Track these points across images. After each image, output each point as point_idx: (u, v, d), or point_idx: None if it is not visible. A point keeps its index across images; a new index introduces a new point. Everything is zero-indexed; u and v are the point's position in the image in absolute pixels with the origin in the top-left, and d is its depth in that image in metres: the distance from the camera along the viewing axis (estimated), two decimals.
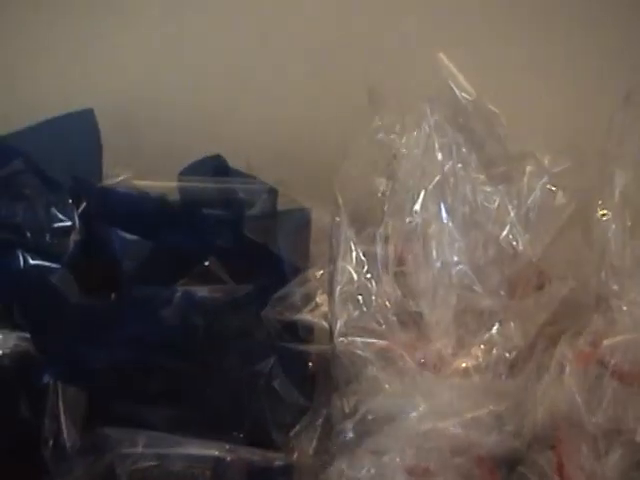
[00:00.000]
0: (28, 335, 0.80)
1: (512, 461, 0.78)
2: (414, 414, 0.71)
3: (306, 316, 0.76)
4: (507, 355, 0.74)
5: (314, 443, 0.75)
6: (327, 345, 0.75)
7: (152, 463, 0.76)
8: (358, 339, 0.71)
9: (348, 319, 0.73)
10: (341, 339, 0.72)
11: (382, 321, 0.73)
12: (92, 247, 0.87)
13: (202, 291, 0.82)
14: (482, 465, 0.76)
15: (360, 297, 0.74)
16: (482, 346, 0.74)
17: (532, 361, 0.75)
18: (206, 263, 0.79)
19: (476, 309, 0.75)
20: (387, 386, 0.71)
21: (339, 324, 0.72)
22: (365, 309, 0.73)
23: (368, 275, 0.74)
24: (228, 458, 0.78)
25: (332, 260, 0.76)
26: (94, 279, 0.86)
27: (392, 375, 0.72)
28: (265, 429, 0.78)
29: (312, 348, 0.78)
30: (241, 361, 0.77)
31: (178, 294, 0.77)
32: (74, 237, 0.86)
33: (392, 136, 0.76)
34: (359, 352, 0.71)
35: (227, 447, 0.78)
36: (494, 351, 0.74)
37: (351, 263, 0.75)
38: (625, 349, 0.72)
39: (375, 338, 0.72)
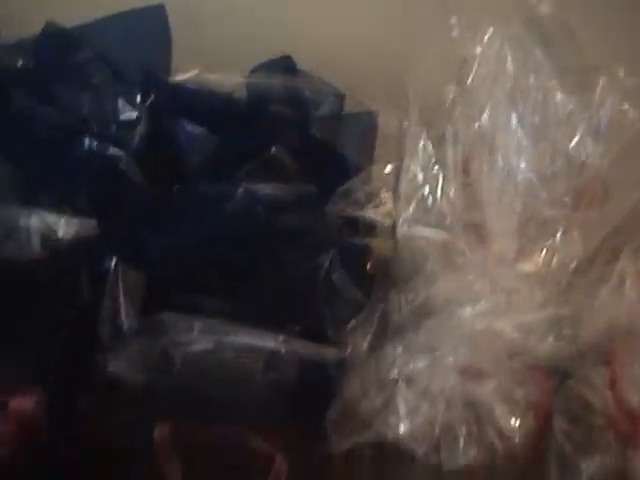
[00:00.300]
0: (90, 221, 0.79)
1: (564, 373, 0.77)
2: (470, 312, 0.69)
3: (369, 213, 0.75)
4: (568, 264, 0.72)
5: (369, 338, 0.74)
6: (389, 241, 0.74)
7: (206, 349, 0.75)
8: (420, 233, 0.70)
9: (412, 215, 0.72)
10: (403, 233, 0.71)
11: (445, 219, 0.71)
12: (157, 141, 0.86)
13: (265, 188, 0.81)
14: (536, 371, 0.75)
15: (425, 195, 0.72)
16: (543, 254, 0.72)
17: (593, 272, 0.73)
18: (273, 150, 0.77)
19: (540, 218, 0.74)
20: (445, 283, 0.69)
21: (402, 219, 0.71)
22: (429, 205, 0.71)
23: (434, 172, 0.72)
24: (282, 350, 0.77)
25: (399, 159, 0.75)
26: (158, 173, 0.85)
27: (452, 272, 0.70)
28: (321, 324, 0.77)
29: (373, 243, 0.76)
30: (301, 254, 0.76)
31: (241, 191, 0.76)
32: (140, 130, 0.86)
33: (466, 34, 0.75)
34: (420, 246, 0.70)
35: (281, 339, 0.78)
36: (555, 259, 0.72)
37: (417, 162, 0.74)
38: None
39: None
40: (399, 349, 0.74)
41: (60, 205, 0.83)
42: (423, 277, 0.71)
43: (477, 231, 0.75)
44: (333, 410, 0.69)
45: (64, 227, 0.80)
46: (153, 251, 0.75)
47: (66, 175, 0.82)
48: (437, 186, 0.73)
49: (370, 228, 0.77)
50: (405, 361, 0.73)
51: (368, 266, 0.81)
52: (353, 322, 0.76)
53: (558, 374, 0.77)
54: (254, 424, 0.72)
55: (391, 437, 0.71)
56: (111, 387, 0.75)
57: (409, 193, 0.73)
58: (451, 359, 0.73)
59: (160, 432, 0.74)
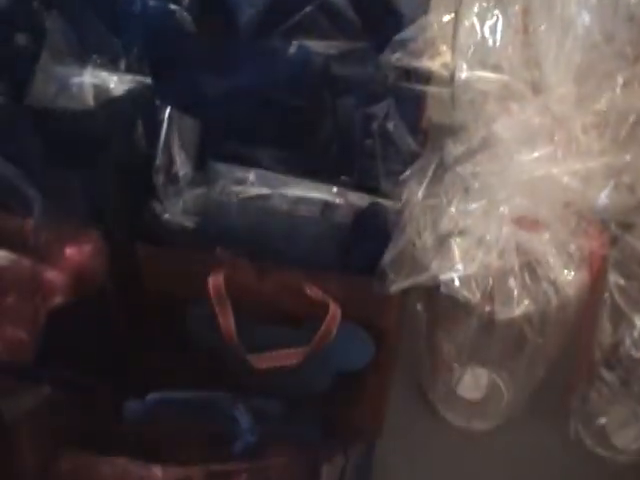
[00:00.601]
0: (144, 78, 0.80)
1: (621, 227, 0.76)
2: (528, 157, 0.69)
3: (426, 62, 0.74)
4: (627, 115, 0.71)
5: (423, 188, 0.73)
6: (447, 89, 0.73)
7: (260, 195, 0.75)
8: (480, 73, 0.69)
9: (470, 61, 0.70)
10: (461, 78, 0.69)
11: (503, 66, 0.70)
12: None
13: (318, 46, 0.80)
14: (592, 224, 0.74)
15: (483, 42, 0.71)
16: (603, 105, 0.71)
17: None
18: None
19: (600, 70, 0.72)
20: (504, 123, 0.68)
21: (460, 65, 0.70)
22: (488, 52, 0.70)
23: (491, 21, 0.71)
24: (337, 201, 0.77)
25: (456, 8, 0.73)
26: (211, 28, 0.85)
27: (510, 115, 0.69)
28: (375, 175, 0.77)
29: (430, 89, 0.75)
30: (357, 103, 0.75)
31: (294, 48, 0.75)
32: None
33: None
34: (479, 87, 0.69)
35: (336, 191, 0.77)
36: (614, 110, 0.70)
37: (474, 12, 0.73)
38: None
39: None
40: (454, 198, 0.72)
41: (115, 62, 0.81)
42: (482, 119, 0.69)
43: (535, 86, 0.73)
44: (389, 255, 0.68)
45: (117, 83, 0.80)
46: (209, 95, 0.75)
47: (123, 31, 0.81)
48: (495, 34, 0.71)
49: (427, 78, 0.75)
50: (460, 210, 0.72)
51: (424, 117, 0.80)
52: (408, 172, 0.74)
53: (615, 228, 0.75)
54: (309, 269, 0.71)
55: (445, 283, 0.70)
56: (166, 234, 0.74)
57: (467, 41, 0.71)
58: (507, 208, 0.71)
59: (214, 280, 0.73)
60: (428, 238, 0.72)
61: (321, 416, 0.78)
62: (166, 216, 0.73)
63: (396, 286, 0.68)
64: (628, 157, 0.69)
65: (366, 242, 0.70)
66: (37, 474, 0.64)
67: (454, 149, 0.72)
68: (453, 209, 0.72)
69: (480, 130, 0.70)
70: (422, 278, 0.69)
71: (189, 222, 0.73)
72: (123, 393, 0.71)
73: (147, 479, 0.63)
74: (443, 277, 0.70)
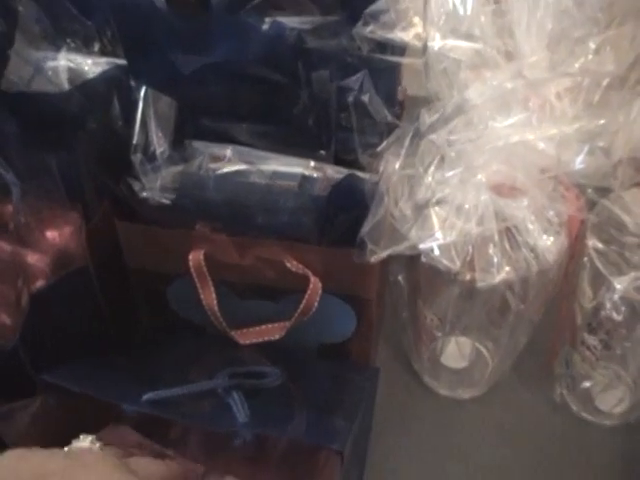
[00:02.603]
0: (118, 60, 0.81)
1: (598, 193, 0.77)
2: (503, 124, 0.69)
3: (399, 34, 0.74)
4: (600, 80, 0.71)
5: (400, 159, 0.73)
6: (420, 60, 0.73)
7: (238, 171, 0.75)
8: (452, 42, 0.69)
9: (442, 30, 0.70)
10: (434, 47, 0.70)
11: (477, 29, 0.70)
12: None
13: (292, 22, 0.80)
14: (569, 189, 0.75)
15: (454, 11, 0.71)
16: (576, 71, 0.71)
17: (626, 88, 0.72)
18: None
19: (572, 37, 0.72)
20: (477, 88, 0.68)
21: (433, 30, 0.70)
22: (460, 21, 0.70)
23: None
24: (315, 174, 0.77)
25: None
26: (185, 9, 0.84)
27: (484, 81, 0.69)
28: (353, 147, 0.77)
29: (404, 61, 0.75)
30: (331, 75, 0.75)
31: (267, 24, 0.75)
32: None
33: None
34: (452, 56, 0.69)
35: (313, 165, 0.77)
36: (587, 76, 0.71)
37: None
38: None
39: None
40: (431, 167, 0.72)
41: (89, 45, 0.81)
42: (455, 87, 0.69)
43: (507, 52, 0.73)
44: (367, 225, 0.68)
45: (91, 65, 0.80)
46: (184, 73, 0.74)
47: (95, 13, 0.81)
48: (466, 3, 0.71)
49: (401, 50, 0.75)
50: (437, 178, 0.72)
51: (399, 86, 0.80)
52: (384, 144, 0.74)
53: (592, 192, 0.75)
54: (289, 243, 0.71)
55: (425, 252, 0.70)
56: (145, 212, 0.75)
57: (438, 11, 0.71)
58: (484, 175, 0.71)
59: (194, 256, 0.74)
60: (406, 208, 0.72)
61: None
62: (144, 194, 0.73)
63: (375, 256, 0.68)
64: (602, 121, 0.68)
65: (343, 213, 0.70)
66: None
67: (428, 118, 0.71)
68: (430, 178, 0.72)
69: (453, 98, 0.69)
70: (401, 247, 0.69)
71: (167, 199, 0.72)
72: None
73: None
74: (423, 246, 0.69)
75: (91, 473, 0.52)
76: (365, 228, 0.68)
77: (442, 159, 0.73)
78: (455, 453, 0.88)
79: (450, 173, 0.72)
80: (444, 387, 0.91)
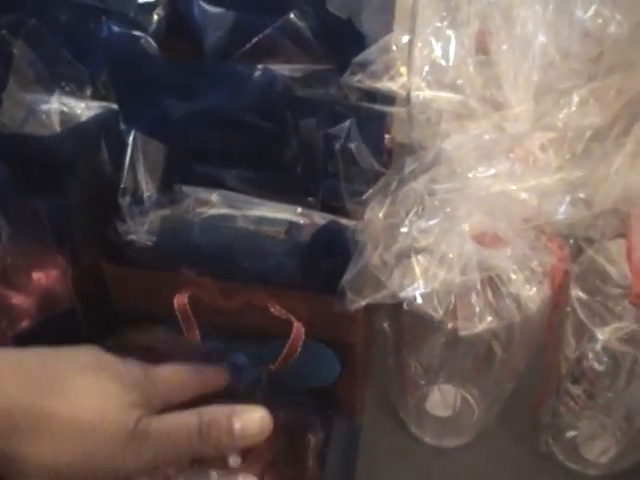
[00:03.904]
0: (110, 104, 0.83)
1: (582, 243, 0.77)
2: (485, 174, 0.70)
3: (386, 83, 0.75)
4: (584, 131, 0.72)
5: (385, 207, 0.74)
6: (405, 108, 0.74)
7: (225, 215, 0.76)
8: (434, 93, 0.70)
9: (425, 79, 0.72)
10: (417, 93, 0.71)
11: (459, 84, 0.71)
12: (176, 23, 0.87)
13: (282, 69, 0.82)
14: (552, 239, 0.75)
15: (438, 60, 0.73)
16: (560, 122, 0.72)
17: (609, 140, 0.73)
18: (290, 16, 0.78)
19: (557, 89, 0.73)
20: (459, 137, 0.69)
21: (417, 80, 0.71)
22: (443, 69, 0.71)
23: (447, 39, 0.72)
24: (301, 221, 0.78)
25: (412, 29, 0.75)
26: (178, 54, 0.86)
27: (466, 133, 0.70)
28: (340, 195, 0.78)
29: (392, 110, 0.76)
30: (318, 123, 0.76)
31: (259, 72, 0.77)
32: (158, 12, 0.87)
33: None
34: (435, 106, 0.70)
35: (300, 211, 0.78)
36: (571, 127, 0.72)
37: (430, 31, 0.74)
38: None
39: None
40: (414, 216, 0.73)
41: (82, 89, 0.83)
42: (438, 136, 0.70)
43: (494, 103, 0.75)
44: (349, 273, 0.69)
45: (84, 109, 0.81)
46: (174, 118, 0.75)
47: (89, 58, 0.82)
48: (449, 53, 0.72)
49: (388, 99, 0.76)
50: (420, 227, 0.73)
51: (386, 137, 0.81)
52: (370, 191, 0.75)
53: (575, 244, 0.76)
54: (274, 288, 0.72)
55: (408, 300, 0.71)
56: (132, 255, 0.75)
57: (422, 59, 0.72)
58: (466, 225, 0.72)
59: (179, 299, 0.74)
60: (388, 257, 0.72)
61: None
62: (131, 236, 0.73)
63: (355, 304, 0.68)
64: (582, 172, 0.69)
65: (325, 259, 0.71)
66: None
67: (413, 166, 0.72)
68: (412, 227, 0.71)
69: (435, 147, 0.70)
70: (380, 296, 0.69)
71: (152, 241, 0.73)
72: None
73: None
74: (405, 294, 0.70)
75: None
76: (346, 276, 0.68)
77: (422, 206, 0.72)
78: None
79: (432, 222, 0.72)
80: (430, 435, 0.90)
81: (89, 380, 0.60)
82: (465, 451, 0.94)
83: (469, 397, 0.92)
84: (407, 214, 0.74)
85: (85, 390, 0.59)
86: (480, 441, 0.94)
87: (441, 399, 0.90)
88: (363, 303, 0.69)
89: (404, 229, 0.74)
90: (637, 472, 0.90)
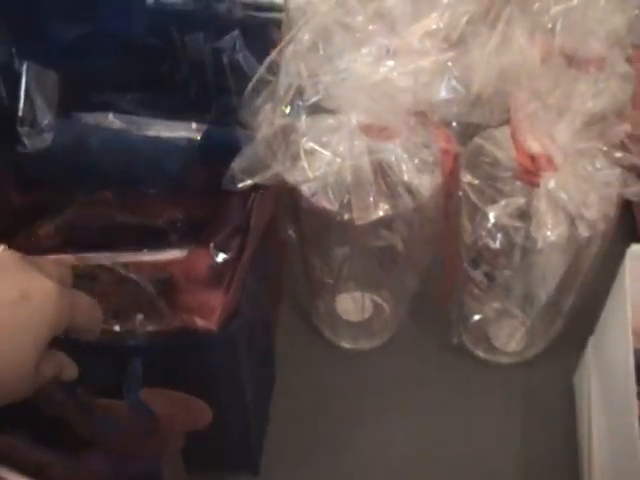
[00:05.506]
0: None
1: (470, 132, 0.80)
2: (364, 61, 0.72)
3: None
4: (459, 18, 0.75)
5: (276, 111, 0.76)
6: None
7: (121, 129, 0.78)
8: None
9: None
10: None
11: None
12: None
13: None
14: (439, 127, 0.78)
15: None
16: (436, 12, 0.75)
17: (484, 25, 0.76)
18: None
19: None
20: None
21: None
22: None
23: None
24: (198, 137, 0.80)
25: None
26: None
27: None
28: (233, 108, 0.79)
29: (267, 16, 0.79)
30: (205, 38, 0.78)
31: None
32: None
33: None
34: (311, 9, 0.73)
35: (195, 127, 0.80)
36: (446, 15, 0.74)
37: None
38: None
39: None
40: (303, 114, 0.75)
41: None
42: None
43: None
44: (240, 157, 0.71)
45: None
46: (62, 43, 0.77)
47: None
48: None
49: (271, 8, 0.78)
50: (310, 125, 0.75)
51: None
52: (260, 99, 0.77)
53: (463, 130, 0.79)
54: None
55: (305, 198, 0.74)
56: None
57: None
58: (354, 117, 0.74)
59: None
60: (284, 158, 0.74)
61: None
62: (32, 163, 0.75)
63: (243, 183, 0.70)
64: (457, 55, 0.71)
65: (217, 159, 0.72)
66: None
67: (297, 67, 0.74)
68: (304, 125, 0.73)
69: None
70: (267, 175, 0.71)
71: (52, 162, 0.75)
72: None
73: None
74: (293, 178, 0.72)
75: None
76: (236, 160, 0.70)
77: (312, 105, 0.74)
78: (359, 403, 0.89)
79: (323, 119, 0.74)
80: (345, 340, 0.94)
81: None
82: (380, 352, 0.97)
83: (379, 299, 0.93)
84: (282, 96, 0.74)
85: None
86: (394, 341, 0.97)
87: (352, 305, 0.91)
88: (250, 182, 0.71)
89: (298, 128, 0.75)
90: (547, 358, 0.94)
